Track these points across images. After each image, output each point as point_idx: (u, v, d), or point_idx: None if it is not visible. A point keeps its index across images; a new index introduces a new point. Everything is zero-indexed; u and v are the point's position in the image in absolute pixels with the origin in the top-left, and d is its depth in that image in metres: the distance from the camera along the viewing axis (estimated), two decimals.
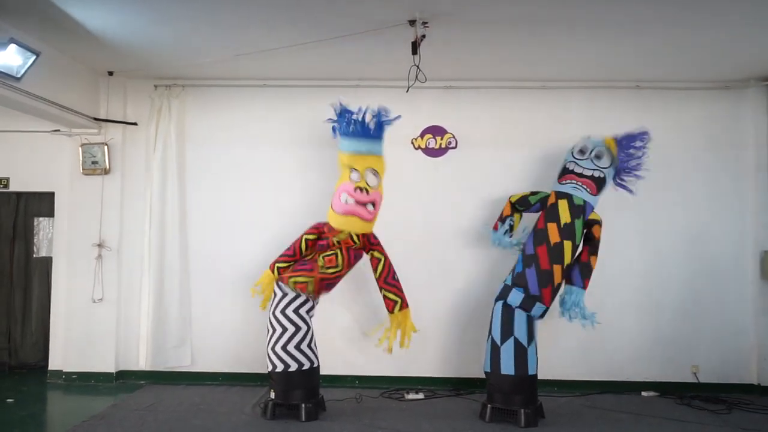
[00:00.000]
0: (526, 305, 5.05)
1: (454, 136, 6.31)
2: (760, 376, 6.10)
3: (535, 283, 5.05)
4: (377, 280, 5.35)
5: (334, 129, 5.31)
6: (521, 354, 4.97)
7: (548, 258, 5.07)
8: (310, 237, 5.29)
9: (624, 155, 5.31)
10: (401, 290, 5.36)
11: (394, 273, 5.38)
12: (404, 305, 5.33)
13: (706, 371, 6.10)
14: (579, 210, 5.19)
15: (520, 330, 5.01)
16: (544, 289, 5.05)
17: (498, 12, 4.54)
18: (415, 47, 4.67)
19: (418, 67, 4.79)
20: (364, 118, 5.11)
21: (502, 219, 5.60)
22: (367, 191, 5.09)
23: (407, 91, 5.10)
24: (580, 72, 6.00)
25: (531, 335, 5.04)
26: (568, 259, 5.13)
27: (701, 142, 6.26)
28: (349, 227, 5.11)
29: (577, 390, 6.04)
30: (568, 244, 5.11)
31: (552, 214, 5.22)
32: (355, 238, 5.15)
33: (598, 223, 5.28)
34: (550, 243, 5.10)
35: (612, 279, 6.14)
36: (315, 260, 5.15)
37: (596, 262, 5.29)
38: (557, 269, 5.08)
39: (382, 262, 5.33)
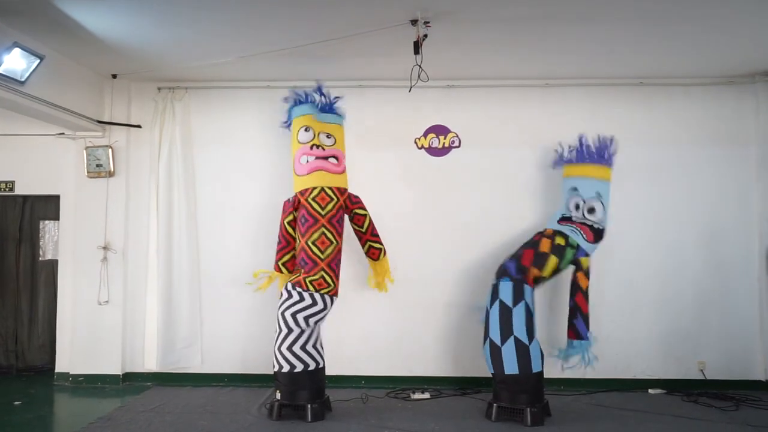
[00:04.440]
0: (518, 292, 5.11)
1: (457, 135, 6.30)
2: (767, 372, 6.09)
3: (513, 269, 5.22)
4: (364, 234, 5.55)
5: (286, 122, 5.54)
6: (523, 352, 4.96)
7: (531, 259, 5.24)
8: (289, 218, 5.32)
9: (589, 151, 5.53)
10: (379, 241, 5.65)
11: (374, 231, 5.61)
12: (385, 252, 5.68)
13: (712, 368, 6.08)
14: (574, 247, 5.37)
15: (519, 328, 5.01)
16: (523, 275, 5.19)
17: (499, 10, 4.53)
18: (417, 47, 4.67)
19: (420, 66, 4.79)
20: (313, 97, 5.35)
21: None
22: (323, 148, 5.23)
23: (410, 90, 5.10)
24: (583, 69, 5.98)
25: (531, 332, 5.05)
26: (546, 273, 5.28)
27: (706, 138, 6.23)
28: (318, 182, 5.17)
29: (584, 388, 6.03)
30: (553, 259, 5.27)
31: (548, 234, 5.42)
32: (329, 192, 5.18)
33: (584, 271, 5.39)
34: (538, 250, 5.28)
35: (618, 277, 6.12)
36: (311, 253, 5.09)
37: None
38: (535, 271, 5.23)
39: (368, 218, 5.52)
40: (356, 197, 5.48)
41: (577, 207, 5.51)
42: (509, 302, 5.08)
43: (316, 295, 5.08)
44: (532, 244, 5.38)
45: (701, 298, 6.16)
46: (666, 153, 6.21)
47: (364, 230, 5.53)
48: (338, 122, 5.46)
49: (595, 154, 5.49)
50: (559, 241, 5.35)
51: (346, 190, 5.39)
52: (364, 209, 5.50)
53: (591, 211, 5.46)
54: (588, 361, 5.38)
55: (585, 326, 5.37)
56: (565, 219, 5.54)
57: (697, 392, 5.86)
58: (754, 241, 6.16)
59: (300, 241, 5.21)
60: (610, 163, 5.53)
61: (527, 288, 5.15)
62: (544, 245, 5.30)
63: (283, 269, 5.32)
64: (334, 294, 5.19)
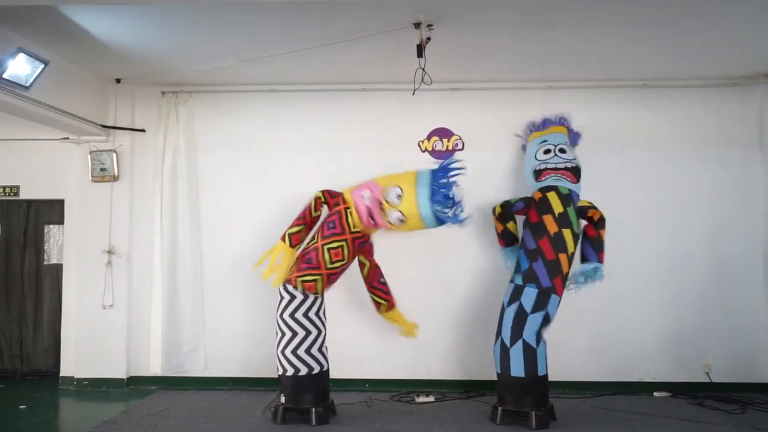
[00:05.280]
0: (542, 301, 5.00)
1: (460, 138, 6.30)
2: None
3: (545, 275, 5.03)
4: (364, 281, 5.52)
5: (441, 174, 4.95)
6: (530, 355, 4.94)
7: (552, 248, 5.09)
8: (321, 196, 5.24)
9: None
10: (387, 292, 5.55)
11: (381, 276, 5.53)
12: (389, 307, 5.56)
13: (718, 371, 6.05)
14: (567, 199, 5.26)
15: (529, 333, 4.98)
16: (554, 280, 5.04)
17: (502, 13, 4.54)
18: (420, 50, 4.67)
19: (423, 69, 4.79)
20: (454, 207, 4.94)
21: (499, 234, 5.74)
22: (384, 213, 4.95)
23: (413, 93, 5.08)
24: (587, 71, 5.97)
25: (539, 337, 5.02)
26: (571, 248, 5.15)
27: (709, 140, 6.21)
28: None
29: (589, 391, 6.01)
30: (567, 233, 5.13)
31: (544, 207, 5.25)
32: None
33: (592, 207, 5.34)
34: (550, 234, 5.12)
35: (622, 279, 6.09)
36: (320, 254, 5.08)
37: (605, 234, 5.37)
38: (563, 258, 5.08)
39: (366, 267, 5.47)
40: (371, 245, 5.47)
41: (547, 152, 5.57)
42: (528, 308, 5.01)
43: (300, 293, 5.07)
44: (541, 229, 5.15)
45: (706, 301, 6.13)
46: (669, 155, 6.19)
47: (363, 278, 5.51)
48: (432, 227, 5.07)
49: (558, 120, 5.84)
50: (556, 204, 5.20)
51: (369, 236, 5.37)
52: (367, 257, 5.45)
53: (562, 151, 5.55)
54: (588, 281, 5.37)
55: (591, 248, 5.33)
56: (541, 172, 5.51)
57: (703, 395, 5.84)
58: (758, 243, 6.14)
59: (317, 241, 5.16)
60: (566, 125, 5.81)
61: (554, 298, 5.03)
62: (550, 224, 5.13)
63: (287, 239, 5.20)
64: (320, 294, 5.18)
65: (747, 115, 6.21)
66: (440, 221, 4.94)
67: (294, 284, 5.08)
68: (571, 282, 5.36)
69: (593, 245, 5.36)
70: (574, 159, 5.53)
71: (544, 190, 5.37)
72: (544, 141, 5.68)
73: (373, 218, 4.99)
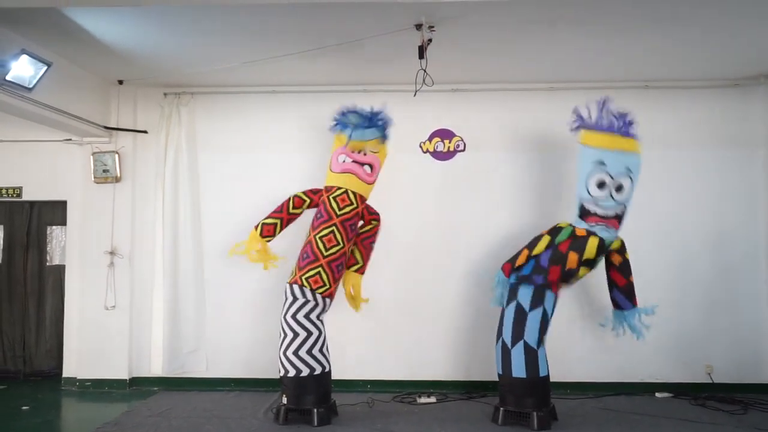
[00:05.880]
0: (538, 297, 5.01)
1: (462, 139, 6.31)
2: None
3: (539, 280, 5.07)
4: (359, 235, 5.48)
5: (339, 125, 5.37)
6: (532, 356, 4.95)
7: (558, 277, 5.04)
8: (301, 195, 5.38)
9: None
10: (366, 256, 5.55)
11: (374, 241, 5.56)
12: (360, 270, 5.55)
13: (720, 371, 6.05)
14: (603, 248, 5.06)
15: (530, 334, 4.99)
16: (550, 280, 5.07)
17: (504, 15, 4.54)
18: (421, 51, 4.69)
19: (425, 71, 4.80)
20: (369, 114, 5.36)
21: (514, 266, 5.25)
22: (365, 153, 5.26)
23: (415, 95, 5.11)
24: (588, 73, 5.98)
25: (540, 338, 5.03)
26: (575, 281, 5.19)
27: (712, 141, 6.21)
28: (347, 185, 5.23)
29: (590, 392, 6.01)
30: (584, 270, 5.09)
31: (578, 245, 5.01)
32: (351, 197, 5.22)
33: (617, 252, 5.21)
34: (565, 267, 5.02)
35: None
36: (315, 248, 5.13)
37: (632, 277, 5.32)
38: (561, 284, 5.13)
39: (371, 227, 5.51)
40: (375, 210, 5.50)
41: (601, 185, 5.02)
42: (526, 306, 5.03)
43: (309, 294, 5.08)
44: (559, 259, 5.01)
45: (708, 301, 6.13)
46: (672, 156, 6.18)
47: (361, 232, 5.47)
48: (383, 140, 5.42)
49: (621, 125, 5.05)
50: (590, 251, 4.96)
51: (365, 200, 5.40)
52: (378, 222, 5.53)
53: (619, 189, 5.05)
54: (635, 330, 5.34)
55: (624, 297, 5.32)
56: (588, 214, 5.08)
57: (705, 396, 5.84)
58: (761, 244, 6.14)
59: (309, 235, 5.26)
60: (635, 137, 5.14)
61: (549, 294, 5.05)
62: (571, 261, 4.99)
63: (259, 228, 5.31)
64: (328, 296, 5.17)
65: (749, 115, 6.20)
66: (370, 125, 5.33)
67: (301, 284, 5.10)
68: (612, 330, 5.48)
69: (624, 294, 5.33)
70: (628, 199, 5.13)
71: (592, 233, 5.03)
72: (601, 164, 5.02)
73: (366, 164, 5.24)
